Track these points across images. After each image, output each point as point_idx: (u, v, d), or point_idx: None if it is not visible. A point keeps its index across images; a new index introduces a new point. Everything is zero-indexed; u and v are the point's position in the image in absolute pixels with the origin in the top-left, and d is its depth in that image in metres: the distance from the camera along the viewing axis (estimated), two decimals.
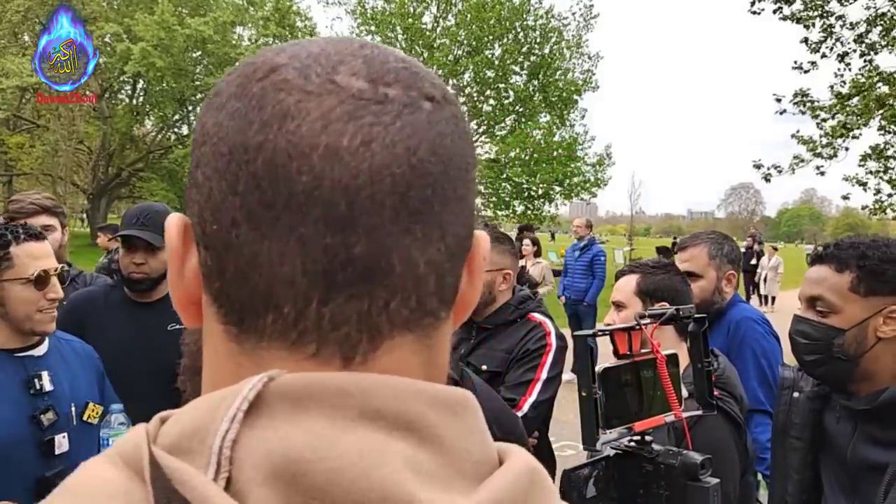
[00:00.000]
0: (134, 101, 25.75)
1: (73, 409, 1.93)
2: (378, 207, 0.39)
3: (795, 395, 1.68)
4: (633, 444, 1.20)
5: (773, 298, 16.09)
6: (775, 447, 1.76)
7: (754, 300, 15.89)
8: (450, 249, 0.43)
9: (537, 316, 2.48)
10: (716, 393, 1.63)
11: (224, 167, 0.41)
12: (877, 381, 1.48)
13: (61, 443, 1.87)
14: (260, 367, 0.40)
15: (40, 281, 1.84)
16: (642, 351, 1.19)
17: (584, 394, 1.11)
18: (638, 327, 1.19)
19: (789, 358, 1.80)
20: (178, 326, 2.58)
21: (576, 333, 1.14)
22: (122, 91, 25.87)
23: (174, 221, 0.45)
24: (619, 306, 1.95)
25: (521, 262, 8.01)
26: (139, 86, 25.21)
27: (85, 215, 27.27)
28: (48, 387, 1.88)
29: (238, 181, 0.40)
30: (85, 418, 1.95)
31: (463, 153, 0.44)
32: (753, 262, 16.39)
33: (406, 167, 0.40)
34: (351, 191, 0.39)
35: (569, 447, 5.26)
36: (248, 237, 0.40)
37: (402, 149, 0.40)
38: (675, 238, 16.62)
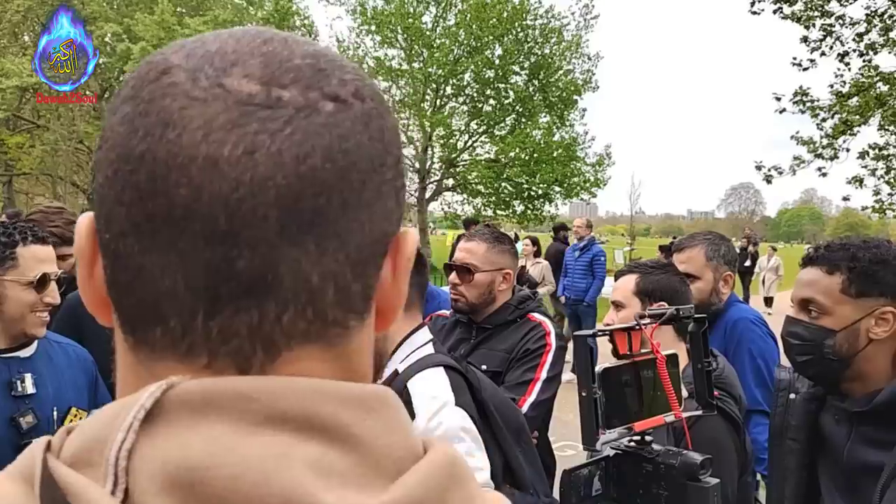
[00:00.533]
0: None
1: (55, 413, 1.90)
2: (260, 220, 0.38)
3: (792, 396, 1.68)
4: (632, 444, 1.20)
5: (772, 299, 15.99)
6: (773, 449, 1.77)
7: (755, 300, 15.86)
8: (352, 257, 0.41)
9: (537, 316, 2.49)
10: (715, 393, 1.63)
11: (112, 175, 0.39)
12: (870, 382, 1.48)
13: None
14: (155, 378, 0.39)
15: (41, 284, 1.83)
16: (642, 351, 1.19)
17: (583, 394, 1.11)
18: (638, 327, 1.19)
19: (786, 359, 1.80)
20: None
21: (576, 333, 1.14)
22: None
23: (84, 222, 0.44)
24: (618, 306, 1.96)
25: (521, 262, 8.02)
26: None
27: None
28: (30, 389, 1.85)
29: (123, 191, 0.39)
30: (66, 424, 1.92)
31: (372, 155, 0.42)
32: (748, 263, 16.27)
33: (293, 177, 0.38)
34: (231, 204, 0.37)
35: (569, 447, 5.26)
36: (132, 249, 0.39)
37: (290, 157, 0.38)
38: (673, 238, 16.58)
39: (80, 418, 1.92)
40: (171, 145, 0.38)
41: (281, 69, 0.40)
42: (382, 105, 0.44)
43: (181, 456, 0.35)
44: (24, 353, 1.89)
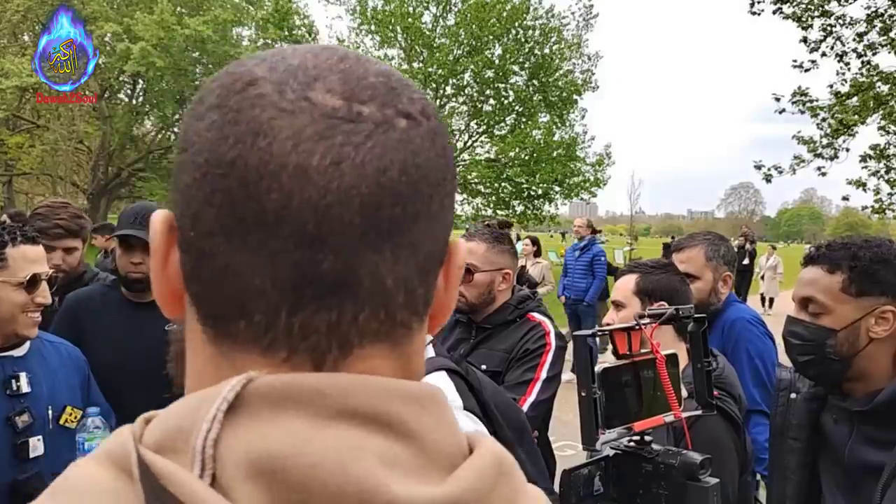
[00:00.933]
0: (133, 101, 25.73)
1: (49, 411, 1.90)
2: (345, 227, 0.41)
3: (793, 396, 1.68)
4: (632, 443, 1.20)
5: (772, 300, 15.96)
6: (773, 448, 1.77)
7: (753, 300, 15.84)
8: (420, 264, 0.44)
9: (537, 316, 2.48)
10: (715, 393, 1.63)
11: (201, 178, 0.42)
12: (871, 382, 1.48)
13: (36, 446, 1.83)
14: (236, 370, 0.42)
15: (32, 284, 1.81)
16: (642, 351, 1.19)
17: (583, 394, 1.11)
18: (637, 327, 1.19)
19: (784, 359, 1.80)
20: (175, 326, 2.57)
21: (576, 333, 1.14)
22: (122, 91, 25.85)
23: (159, 217, 0.46)
24: (618, 306, 1.96)
25: (521, 262, 8.02)
26: (139, 86, 25.20)
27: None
28: (25, 388, 1.84)
29: (213, 194, 0.41)
30: (62, 422, 1.92)
31: (437, 170, 0.45)
32: (746, 261, 16.27)
33: (374, 187, 0.41)
34: (319, 210, 0.40)
35: (569, 447, 5.26)
36: (222, 248, 0.41)
37: (372, 169, 0.41)
38: (672, 237, 16.48)
39: (76, 417, 1.92)
40: (263, 153, 0.40)
41: (359, 86, 0.43)
42: (442, 123, 0.47)
43: (263, 446, 0.38)
44: (18, 352, 1.89)
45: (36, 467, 1.82)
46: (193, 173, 0.43)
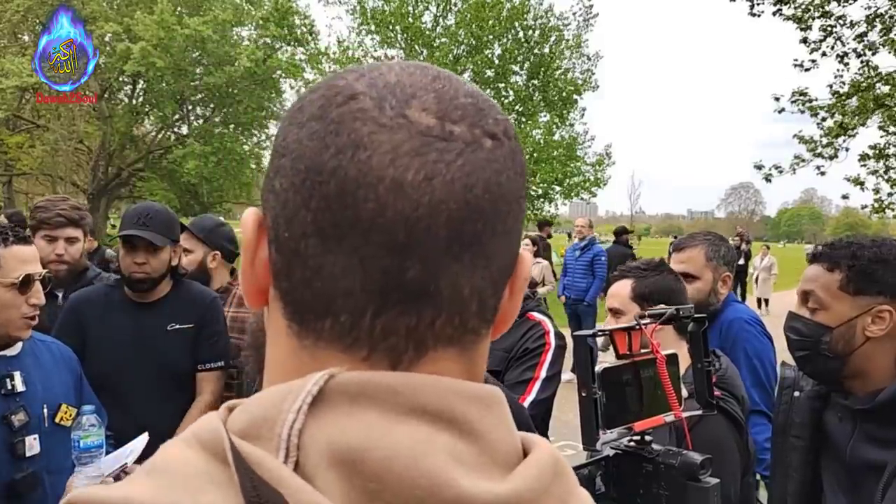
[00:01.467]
0: (133, 101, 25.71)
1: (45, 410, 1.90)
2: (433, 238, 0.44)
3: (796, 394, 1.69)
4: (632, 443, 1.19)
5: (767, 301, 15.87)
6: (776, 446, 1.77)
7: (750, 302, 15.80)
8: (493, 276, 0.48)
9: (536, 315, 2.48)
10: (717, 393, 1.63)
11: (300, 183, 0.45)
12: (871, 380, 1.48)
13: (32, 445, 1.83)
14: (318, 364, 0.45)
15: (24, 284, 1.80)
16: (642, 351, 1.19)
17: (583, 394, 1.11)
18: (638, 327, 1.19)
19: (783, 357, 1.81)
20: (177, 326, 2.59)
21: (576, 333, 1.14)
22: (122, 91, 25.83)
23: (251, 216, 0.50)
24: (616, 313, 1.93)
25: None
26: (139, 86, 25.18)
27: None
28: (20, 387, 1.84)
29: (311, 198, 0.44)
30: (57, 420, 1.92)
31: (515, 189, 0.48)
32: (742, 262, 16.22)
33: (462, 203, 0.44)
34: (410, 221, 0.43)
35: (569, 447, 5.26)
36: (315, 249, 0.45)
37: (461, 186, 0.44)
38: (674, 237, 16.49)
39: (71, 415, 1.92)
40: (362, 165, 0.43)
41: (451, 106, 0.46)
42: (518, 142, 0.50)
43: (343, 437, 0.41)
44: (10, 352, 1.88)
45: (32, 466, 1.83)
46: (292, 178, 0.45)
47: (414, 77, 0.47)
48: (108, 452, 1.93)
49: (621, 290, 1.94)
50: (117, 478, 1.81)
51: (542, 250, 8.82)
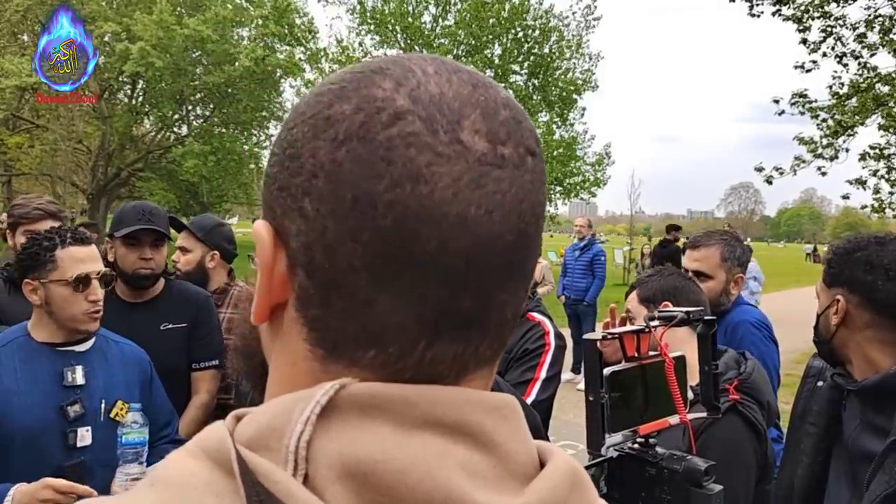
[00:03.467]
0: (133, 102, 25.72)
1: (102, 405, 1.99)
2: (488, 269, 0.43)
3: (819, 384, 1.78)
4: (636, 446, 1.18)
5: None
6: (791, 432, 1.84)
7: None
8: (525, 292, 0.48)
9: (536, 315, 2.46)
10: (737, 397, 1.62)
11: (346, 212, 0.42)
12: (858, 367, 1.60)
13: (84, 436, 1.93)
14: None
15: (80, 283, 1.92)
16: (650, 354, 1.18)
17: (591, 398, 1.10)
18: (647, 330, 1.18)
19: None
20: (170, 326, 2.58)
21: (585, 337, 1.13)
22: (122, 91, 25.84)
23: (265, 230, 0.46)
24: (629, 319, 1.94)
25: None
26: (138, 86, 25.19)
27: (82, 214, 27.30)
28: (80, 381, 1.95)
29: (361, 230, 0.42)
30: (113, 415, 2.00)
31: (544, 201, 0.48)
32: None
33: (516, 233, 0.44)
34: (470, 255, 0.42)
35: (569, 447, 5.25)
36: (364, 283, 0.42)
37: (515, 216, 0.44)
38: (686, 237, 16.21)
39: (126, 411, 2.00)
40: (423, 200, 0.41)
41: (496, 123, 0.44)
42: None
43: (354, 449, 0.40)
44: (81, 347, 2.01)
45: (82, 456, 1.92)
46: (332, 205, 0.42)
47: (454, 87, 0.44)
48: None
49: (631, 299, 1.98)
50: None
51: (671, 254, 9.00)
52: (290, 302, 0.46)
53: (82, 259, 1.95)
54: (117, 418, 1.98)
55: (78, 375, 1.94)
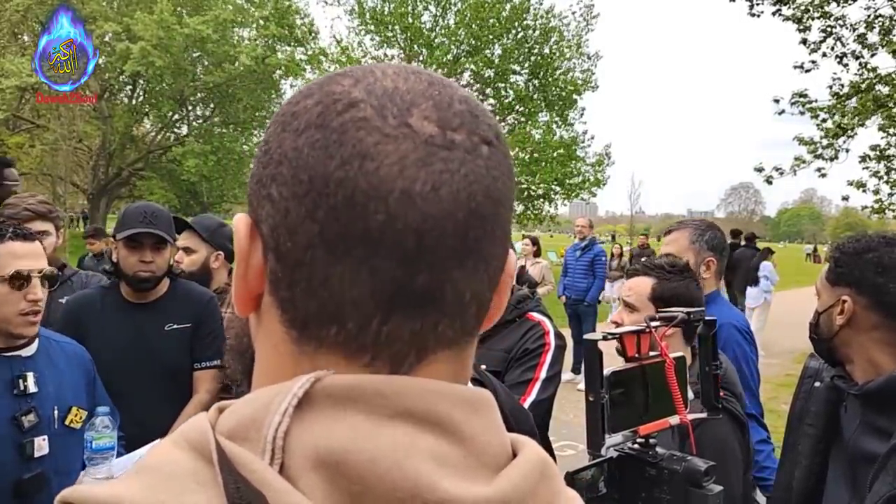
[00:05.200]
0: (133, 101, 25.73)
1: (55, 412, 1.89)
2: (440, 247, 0.45)
3: (817, 384, 1.77)
4: (636, 446, 1.18)
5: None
6: (789, 433, 1.83)
7: None
8: (490, 277, 0.49)
9: (536, 315, 2.46)
10: (721, 394, 1.62)
11: (303, 193, 0.44)
12: (859, 368, 1.58)
13: (41, 445, 1.83)
14: (318, 368, 0.45)
15: (15, 280, 1.79)
16: (650, 354, 1.18)
17: (591, 398, 1.10)
18: (647, 330, 1.18)
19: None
20: (174, 326, 2.58)
21: (585, 337, 1.13)
22: (122, 91, 25.86)
23: (242, 222, 0.49)
24: (631, 308, 1.90)
25: (521, 262, 8.00)
26: (139, 85, 25.20)
27: (82, 215, 27.30)
28: (32, 388, 1.84)
29: (317, 209, 0.44)
30: (67, 422, 1.91)
31: (508, 191, 0.49)
32: None
33: (466, 212, 0.45)
34: (420, 232, 0.44)
35: (569, 447, 5.25)
36: (322, 260, 0.45)
37: (465, 195, 0.45)
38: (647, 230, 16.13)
39: (81, 417, 1.92)
40: (370, 176, 0.43)
41: (449, 113, 0.46)
42: (507, 145, 0.51)
43: (329, 440, 0.42)
44: (26, 352, 1.89)
45: (40, 467, 1.83)
46: (293, 188, 0.45)
47: (410, 83, 0.47)
48: (119, 454, 1.94)
49: (641, 287, 1.89)
50: None
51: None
52: (266, 287, 0.48)
53: (22, 255, 1.81)
54: (72, 425, 1.91)
55: (30, 383, 1.84)
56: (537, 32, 22.54)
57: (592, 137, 23.62)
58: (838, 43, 12.13)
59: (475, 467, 0.44)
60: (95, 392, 2.08)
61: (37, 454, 1.81)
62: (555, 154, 21.87)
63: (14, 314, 1.79)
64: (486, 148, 0.47)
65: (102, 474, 1.82)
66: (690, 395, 1.27)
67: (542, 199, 23.06)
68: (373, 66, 0.49)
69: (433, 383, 0.46)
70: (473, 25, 21.51)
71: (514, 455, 0.48)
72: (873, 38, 11.90)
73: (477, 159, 0.46)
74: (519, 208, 22.88)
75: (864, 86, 11.87)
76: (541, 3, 22.56)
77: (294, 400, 0.43)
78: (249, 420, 0.44)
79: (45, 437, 1.84)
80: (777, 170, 13.26)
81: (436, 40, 22.18)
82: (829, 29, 12.10)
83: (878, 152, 12.59)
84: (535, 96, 22.79)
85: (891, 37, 11.61)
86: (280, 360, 0.48)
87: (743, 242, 11.96)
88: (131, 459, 1.95)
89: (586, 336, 1.13)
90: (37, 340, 1.92)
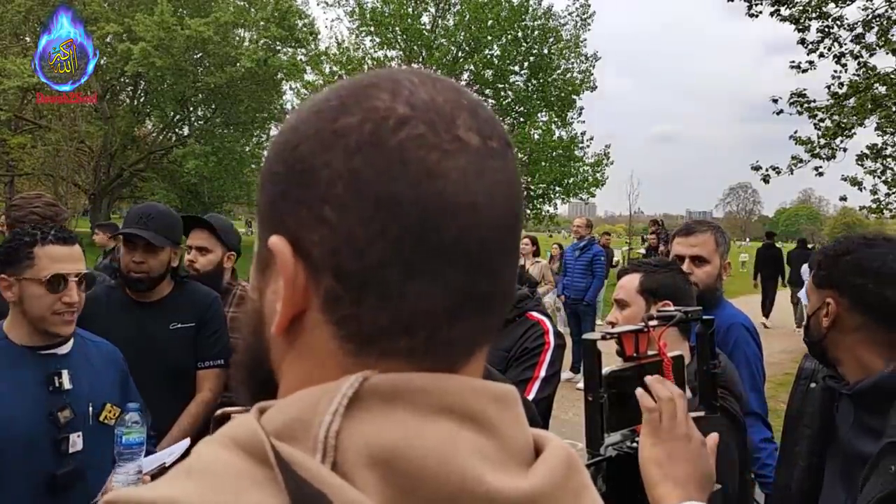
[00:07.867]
0: (135, 102, 25.71)
1: (90, 408, 1.95)
2: (499, 252, 0.48)
3: (812, 385, 1.77)
4: (635, 445, 1.19)
5: None
6: (786, 434, 1.83)
7: None
8: (515, 274, 0.52)
9: (535, 314, 2.48)
10: (719, 392, 1.64)
11: (370, 214, 0.45)
12: (849, 368, 1.59)
13: (75, 441, 1.88)
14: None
15: (53, 283, 1.85)
16: (649, 353, 1.19)
17: (590, 398, 1.11)
18: (645, 330, 1.19)
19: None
20: (179, 325, 2.60)
21: (584, 337, 1.13)
22: (124, 92, 25.84)
23: (284, 245, 0.48)
24: (622, 304, 1.94)
25: (521, 262, 7.99)
26: (140, 86, 25.18)
27: (85, 215, 27.28)
28: (67, 385, 1.90)
29: (388, 229, 0.45)
30: (101, 419, 1.96)
31: (521, 185, 0.52)
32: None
33: (512, 216, 0.49)
34: (483, 240, 0.47)
35: (568, 446, 5.25)
36: (396, 277, 0.46)
37: (513, 200, 0.49)
38: (654, 223, 15.30)
39: (114, 414, 1.97)
40: (440, 194, 0.45)
41: (480, 120, 0.49)
42: None
43: (379, 438, 0.43)
44: (62, 350, 1.95)
45: (74, 462, 1.88)
46: (356, 209, 0.45)
47: (442, 93, 0.48)
48: (149, 452, 1.97)
49: (629, 282, 1.94)
50: (154, 477, 1.82)
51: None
52: (314, 307, 0.48)
53: (60, 259, 1.88)
54: (106, 421, 1.95)
55: (65, 380, 1.89)
56: (536, 33, 22.52)
57: (591, 138, 23.60)
58: (835, 43, 12.12)
59: (507, 461, 0.46)
60: (128, 389, 2.13)
61: (72, 450, 1.87)
62: (554, 154, 21.85)
63: (49, 314, 1.86)
64: (509, 151, 0.50)
65: (134, 471, 1.85)
66: (689, 393, 1.28)
67: (541, 199, 23.03)
68: (396, 74, 0.49)
69: (470, 380, 0.48)
70: (472, 26, 21.49)
71: (537, 449, 0.50)
72: (871, 38, 11.88)
73: (508, 163, 0.49)
74: None
75: (862, 85, 11.85)
76: (539, 4, 22.54)
77: (345, 400, 0.44)
78: (297, 420, 0.44)
79: (80, 433, 1.90)
80: (774, 168, 13.24)
81: (435, 41, 22.16)
82: (826, 29, 12.09)
83: (874, 152, 12.57)
84: (535, 97, 22.77)
85: (888, 36, 11.60)
86: (326, 375, 0.47)
87: (788, 244, 12.96)
88: (160, 457, 1.98)
89: (585, 336, 1.14)
90: (72, 339, 1.98)
